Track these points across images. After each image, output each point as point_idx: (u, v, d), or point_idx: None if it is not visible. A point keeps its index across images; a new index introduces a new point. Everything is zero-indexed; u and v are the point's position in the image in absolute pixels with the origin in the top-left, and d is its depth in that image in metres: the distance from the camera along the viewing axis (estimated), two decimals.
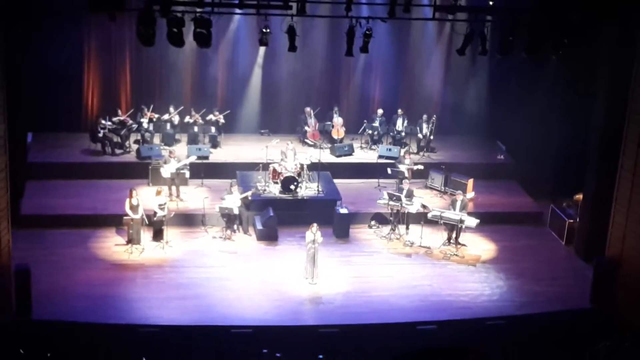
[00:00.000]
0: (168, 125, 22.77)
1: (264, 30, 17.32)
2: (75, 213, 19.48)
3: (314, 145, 22.90)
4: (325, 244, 18.00)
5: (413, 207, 19.47)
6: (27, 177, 20.33)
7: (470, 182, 21.57)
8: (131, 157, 22.11)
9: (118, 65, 23.38)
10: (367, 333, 15.82)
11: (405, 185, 19.85)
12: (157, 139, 22.87)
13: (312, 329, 15.85)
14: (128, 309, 16.15)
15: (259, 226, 19.40)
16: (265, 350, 14.17)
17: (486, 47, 18.08)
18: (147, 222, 18.39)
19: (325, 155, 22.18)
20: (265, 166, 20.92)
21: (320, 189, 20.73)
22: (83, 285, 16.83)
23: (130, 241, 18.30)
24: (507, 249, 19.64)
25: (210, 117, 22.87)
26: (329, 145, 23.38)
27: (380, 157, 22.75)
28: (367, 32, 17.36)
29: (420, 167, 21.48)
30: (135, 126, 22.32)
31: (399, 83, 24.93)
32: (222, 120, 22.98)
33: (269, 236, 19.31)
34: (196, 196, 20.46)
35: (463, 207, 19.07)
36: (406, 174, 21.10)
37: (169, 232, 18.71)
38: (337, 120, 23.70)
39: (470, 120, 24.37)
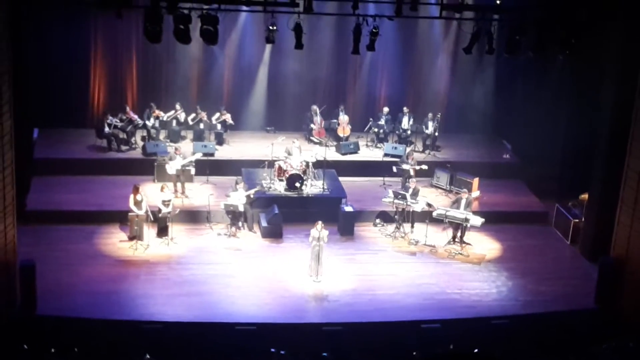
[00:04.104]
0: (174, 122, 22.80)
1: (271, 27, 17.33)
2: (80, 209, 19.50)
3: (320, 143, 22.87)
4: (330, 241, 17.96)
5: (418, 206, 19.44)
6: (33, 173, 20.32)
7: (475, 181, 21.53)
8: (137, 153, 22.11)
9: (124, 62, 23.39)
10: (371, 331, 15.83)
11: (412, 183, 19.82)
12: (162, 136, 22.87)
13: (316, 327, 15.85)
14: (132, 306, 16.16)
15: (264, 223, 19.41)
16: (273, 350, 14.14)
17: (493, 45, 18.10)
18: (152, 219, 18.41)
19: (330, 153, 22.18)
20: (271, 164, 20.91)
21: (325, 187, 20.72)
22: (87, 281, 16.85)
23: (134, 237, 18.32)
24: (512, 248, 19.61)
25: (217, 115, 22.85)
26: (335, 143, 23.38)
27: (385, 155, 22.71)
28: (373, 30, 17.36)
29: (424, 167, 21.39)
30: (141, 123, 22.36)
31: (405, 81, 24.88)
32: (229, 121, 22.95)
33: (273, 233, 19.30)
34: (201, 193, 20.46)
35: (468, 206, 19.04)
36: (411, 172, 21.08)
37: (174, 229, 18.71)
38: (343, 118, 23.69)
39: (476, 119, 24.27)
